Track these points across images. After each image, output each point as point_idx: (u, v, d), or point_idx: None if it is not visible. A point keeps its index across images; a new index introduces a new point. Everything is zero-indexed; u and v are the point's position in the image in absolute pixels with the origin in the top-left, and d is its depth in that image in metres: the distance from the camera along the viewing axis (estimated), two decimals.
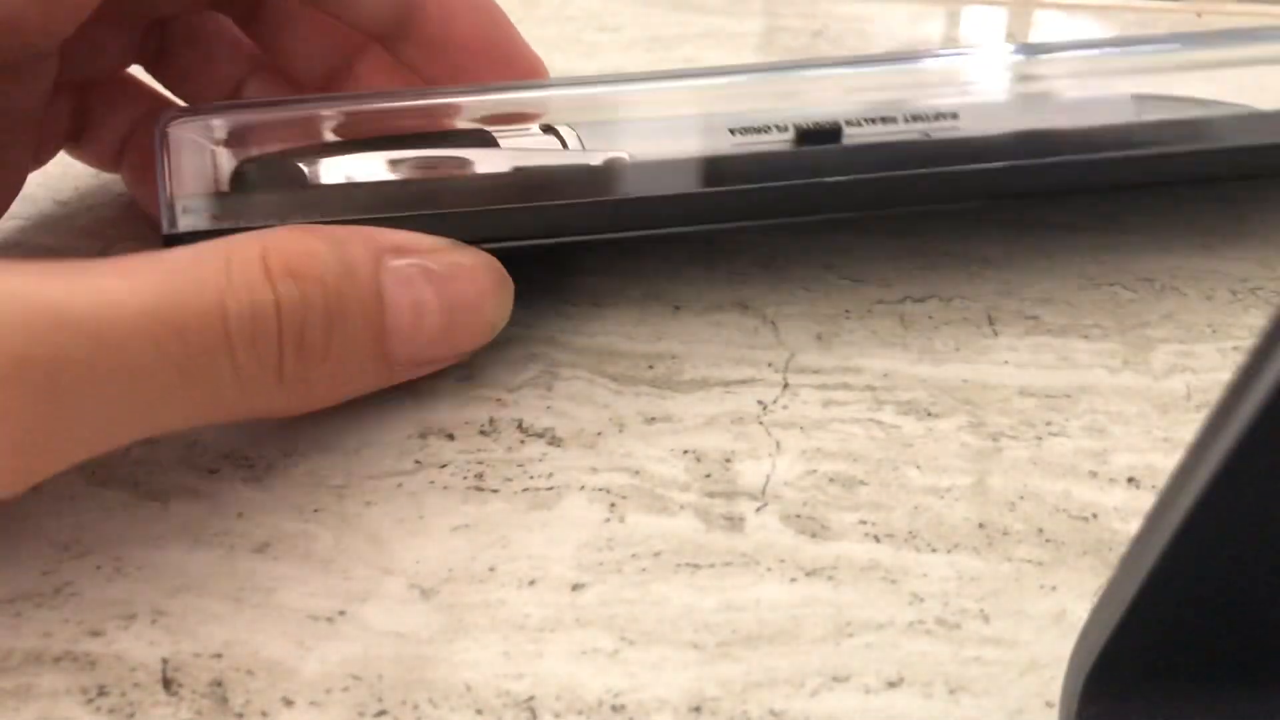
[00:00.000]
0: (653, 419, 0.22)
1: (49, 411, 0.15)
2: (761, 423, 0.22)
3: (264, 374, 0.18)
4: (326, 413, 0.22)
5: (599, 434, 0.21)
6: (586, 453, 0.21)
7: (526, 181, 0.21)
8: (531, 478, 0.20)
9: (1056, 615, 0.18)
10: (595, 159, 0.21)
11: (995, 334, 0.24)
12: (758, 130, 0.22)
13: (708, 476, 0.20)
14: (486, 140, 0.22)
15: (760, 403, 0.22)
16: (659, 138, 0.22)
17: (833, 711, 0.17)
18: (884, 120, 0.22)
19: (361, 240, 0.19)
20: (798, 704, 0.17)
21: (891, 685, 0.17)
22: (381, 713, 0.17)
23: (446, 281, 0.20)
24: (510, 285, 0.21)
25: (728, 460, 0.21)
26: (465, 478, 0.20)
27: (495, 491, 0.20)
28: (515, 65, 0.23)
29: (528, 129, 0.22)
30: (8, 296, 0.15)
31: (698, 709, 0.17)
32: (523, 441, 0.21)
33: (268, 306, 0.17)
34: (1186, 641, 0.13)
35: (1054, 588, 0.18)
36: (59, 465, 0.16)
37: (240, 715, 0.17)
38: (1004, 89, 0.23)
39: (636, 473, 0.20)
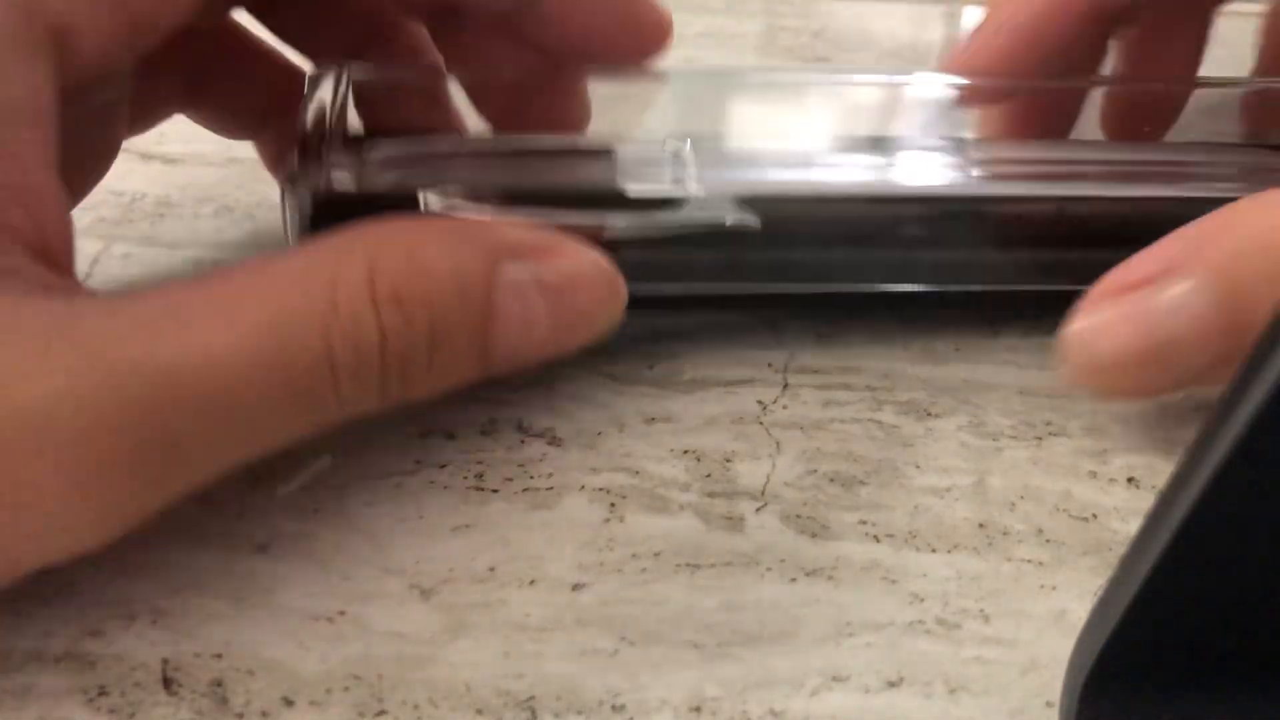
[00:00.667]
0: (653, 419, 0.22)
1: (161, 467, 0.16)
2: (761, 423, 0.22)
3: (367, 396, 0.17)
4: None
5: (599, 434, 0.21)
6: (587, 453, 0.21)
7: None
8: (532, 478, 0.20)
9: (1056, 615, 0.18)
10: (721, 215, 0.20)
11: (995, 334, 0.24)
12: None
13: (708, 476, 0.20)
14: (609, 169, 0.21)
15: (760, 403, 0.22)
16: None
17: (833, 711, 0.17)
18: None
19: (478, 242, 0.18)
20: (798, 704, 0.17)
21: (891, 685, 0.17)
22: (381, 712, 0.17)
23: (560, 294, 0.19)
24: (622, 291, 0.20)
25: (728, 460, 0.21)
26: (465, 478, 0.20)
27: (495, 491, 0.20)
28: (642, 22, 0.23)
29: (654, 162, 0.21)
30: (126, 367, 0.15)
31: (698, 709, 0.17)
32: (523, 441, 0.21)
33: (373, 339, 0.17)
34: (1186, 641, 0.13)
35: (1054, 588, 0.18)
36: (162, 505, 0.16)
37: (240, 715, 0.17)
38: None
39: (637, 473, 0.20)
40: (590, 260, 0.19)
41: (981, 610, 0.18)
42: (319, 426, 0.17)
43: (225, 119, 0.25)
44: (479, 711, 0.17)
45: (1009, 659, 0.17)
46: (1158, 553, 0.12)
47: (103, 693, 0.17)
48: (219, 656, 0.17)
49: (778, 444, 0.21)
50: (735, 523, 0.20)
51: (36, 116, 0.16)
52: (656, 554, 0.19)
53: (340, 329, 0.16)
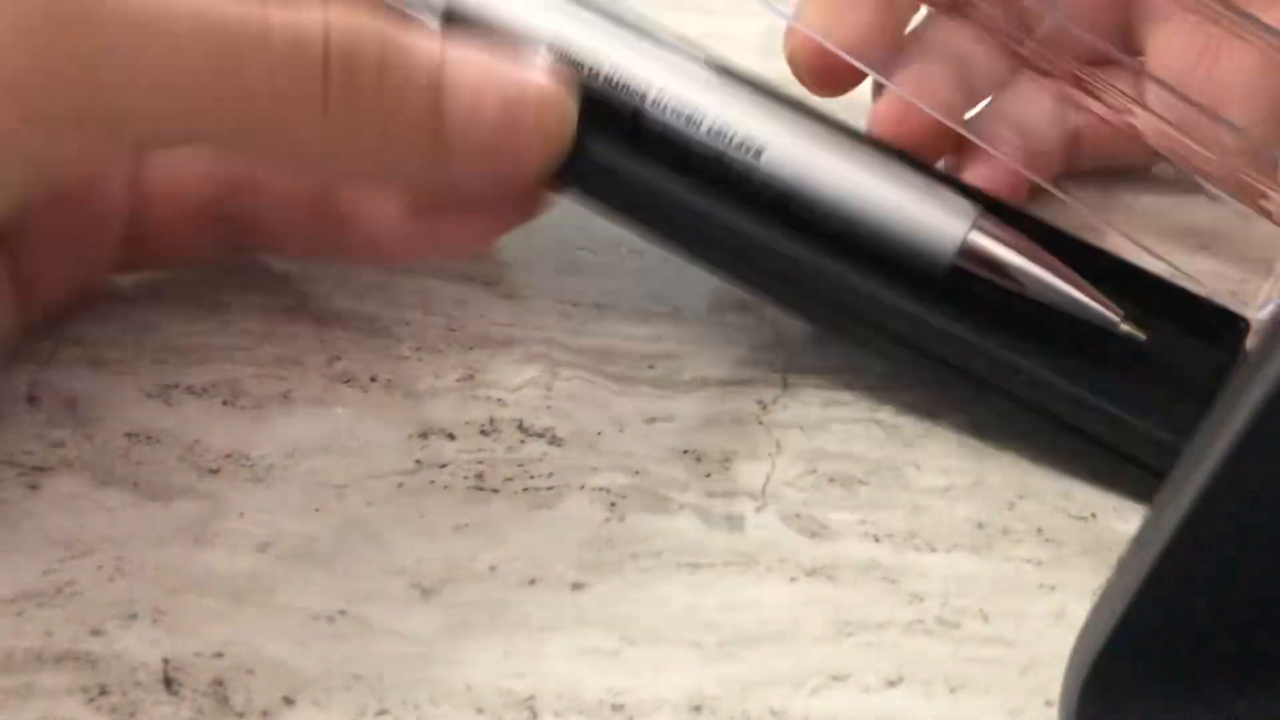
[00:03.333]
0: (653, 419, 0.22)
1: (84, 76, 0.15)
2: (761, 423, 0.22)
3: (306, 99, 0.16)
4: (326, 412, 0.22)
5: (599, 434, 0.21)
6: (587, 452, 0.21)
7: None
8: (532, 477, 0.20)
9: (1056, 615, 0.18)
10: None
11: None
12: None
13: (708, 476, 0.20)
14: None
15: (760, 403, 0.22)
16: None
17: (833, 711, 0.17)
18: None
19: (428, 36, 0.18)
20: (798, 703, 0.17)
21: (891, 685, 0.17)
22: (382, 712, 0.17)
23: (509, 81, 0.18)
24: (573, 114, 0.19)
25: (728, 460, 0.21)
26: (466, 477, 0.20)
27: (495, 491, 0.20)
28: None
29: None
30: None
31: (698, 708, 0.17)
32: (523, 441, 0.21)
33: (315, 31, 0.16)
34: (1186, 641, 0.13)
35: (1054, 588, 0.18)
36: (93, 136, 0.16)
37: (241, 715, 0.17)
38: None
39: (637, 472, 0.20)
40: (542, 78, 0.19)
41: (981, 610, 0.18)
42: (258, 126, 0.17)
43: None
44: (479, 711, 0.17)
45: (1009, 659, 0.17)
46: (1157, 553, 0.12)
47: (103, 692, 0.17)
48: (220, 656, 0.17)
49: (778, 444, 0.21)
50: (735, 522, 0.20)
51: None
52: (657, 554, 0.19)
53: (281, 13, 0.16)
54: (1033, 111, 0.25)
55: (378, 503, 0.20)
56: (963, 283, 0.21)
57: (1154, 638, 0.13)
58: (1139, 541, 0.13)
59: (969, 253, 0.21)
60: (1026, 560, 0.19)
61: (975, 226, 0.21)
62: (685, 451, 0.21)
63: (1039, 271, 0.20)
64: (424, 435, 0.21)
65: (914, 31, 0.25)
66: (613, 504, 0.20)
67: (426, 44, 0.18)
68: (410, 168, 0.18)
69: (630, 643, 0.18)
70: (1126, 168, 0.28)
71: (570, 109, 0.19)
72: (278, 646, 0.17)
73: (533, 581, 0.19)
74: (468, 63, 0.18)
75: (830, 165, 0.21)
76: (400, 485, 0.20)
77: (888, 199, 0.21)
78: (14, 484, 0.20)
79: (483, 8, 0.20)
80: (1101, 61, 0.23)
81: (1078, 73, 0.23)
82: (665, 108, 0.20)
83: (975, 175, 0.24)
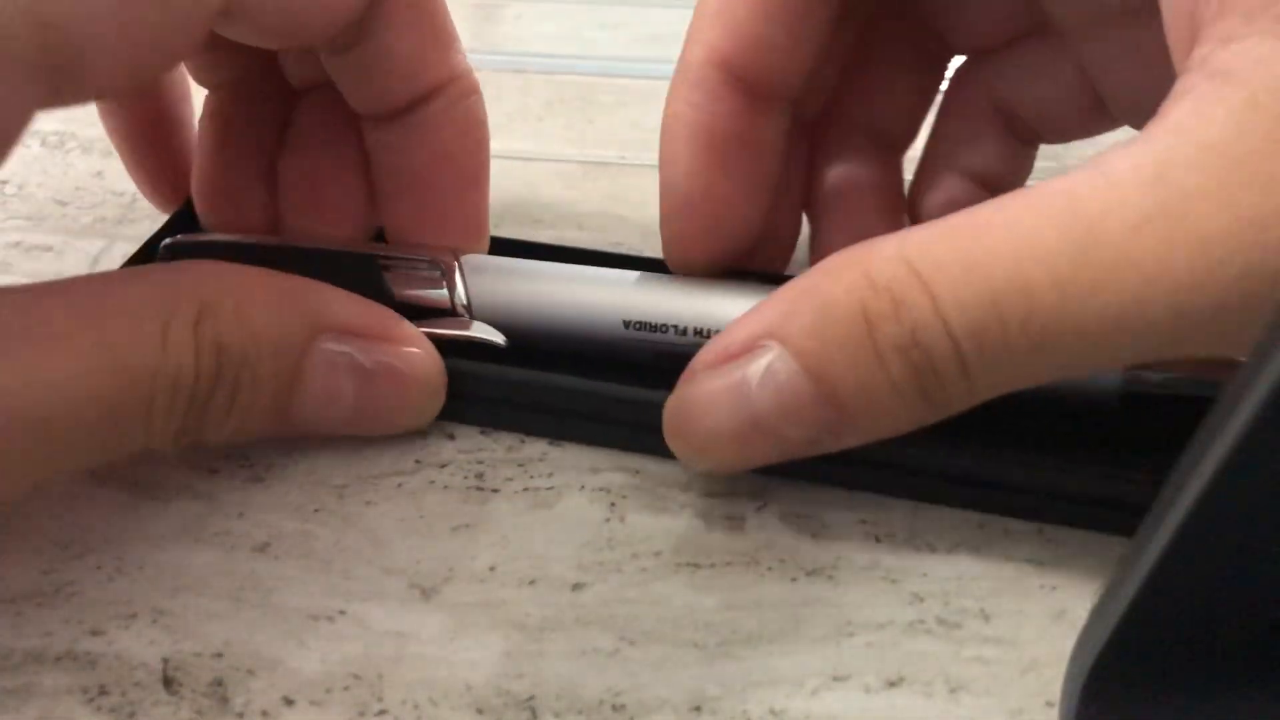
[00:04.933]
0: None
1: None
2: None
3: (166, 435, 0.18)
4: None
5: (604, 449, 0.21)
6: (587, 453, 0.21)
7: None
8: (532, 477, 0.20)
9: (1056, 615, 0.18)
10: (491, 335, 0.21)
11: None
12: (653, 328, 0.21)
13: (708, 476, 0.20)
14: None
15: None
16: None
17: (833, 711, 0.17)
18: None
19: (303, 311, 0.19)
20: (798, 703, 0.17)
21: (892, 685, 0.17)
22: (382, 712, 0.17)
23: (370, 380, 0.20)
24: (441, 394, 0.21)
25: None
26: (465, 477, 0.20)
27: (496, 491, 0.20)
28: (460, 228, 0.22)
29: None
30: None
31: (698, 708, 0.17)
32: (523, 441, 0.21)
33: (187, 382, 0.17)
34: (1186, 641, 0.13)
35: (1054, 588, 0.18)
36: None
37: (241, 715, 0.17)
38: None
39: (637, 472, 0.20)
40: (417, 352, 0.20)
41: (982, 610, 0.18)
42: (114, 456, 0.18)
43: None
44: (479, 711, 0.17)
45: (1009, 659, 0.17)
46: (1158, 553, 0.12)
47: (103, 692, 0.17)
48: (219, 656, 0.17)
49: None
50: (735, 523, 0.20)
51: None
52: (657, 554, 0.19)
53: (165, 372, 0.17)
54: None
55: (378, 503, 0.20)
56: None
57: (1154, 638, 0.13)
58: (1139, 541, 0.13)
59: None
60: (1027, 560, 0.19)
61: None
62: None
63: None
64: (424, 435, 0.21)
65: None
66: (613, 504, 0.20)
67: (294, 335, 0.19)
68: (250, 437, 0.20)
69: (630, 643, 0.18)
70: None
71: (439, 393, 0.20)
72: (277, 646, 0.17)
73: (533, 581, 0.19)
74: (329, 360, 0.19)
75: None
76: (400, 485, 0.20)
77: None
78: None
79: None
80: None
81: None
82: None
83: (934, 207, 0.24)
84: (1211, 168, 0.14)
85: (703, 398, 0.18)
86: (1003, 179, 0.24)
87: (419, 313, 0.21)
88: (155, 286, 0.18)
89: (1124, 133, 0.22)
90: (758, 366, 0.17)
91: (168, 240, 0.23)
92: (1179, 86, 0.16)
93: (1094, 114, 0.22)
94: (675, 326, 0.20)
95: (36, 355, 0.16)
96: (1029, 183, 0.24)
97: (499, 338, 0.21)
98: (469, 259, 0.21)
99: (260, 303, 0.18)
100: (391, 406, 0.20)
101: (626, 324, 0.21)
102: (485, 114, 0.22)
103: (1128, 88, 0.21)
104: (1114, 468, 0.19)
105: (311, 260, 0.21)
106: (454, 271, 0.21)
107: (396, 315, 0.20)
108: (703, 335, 0.20)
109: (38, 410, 0.16)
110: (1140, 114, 0.21)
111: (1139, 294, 0.15)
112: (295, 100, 0.24)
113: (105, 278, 0.18)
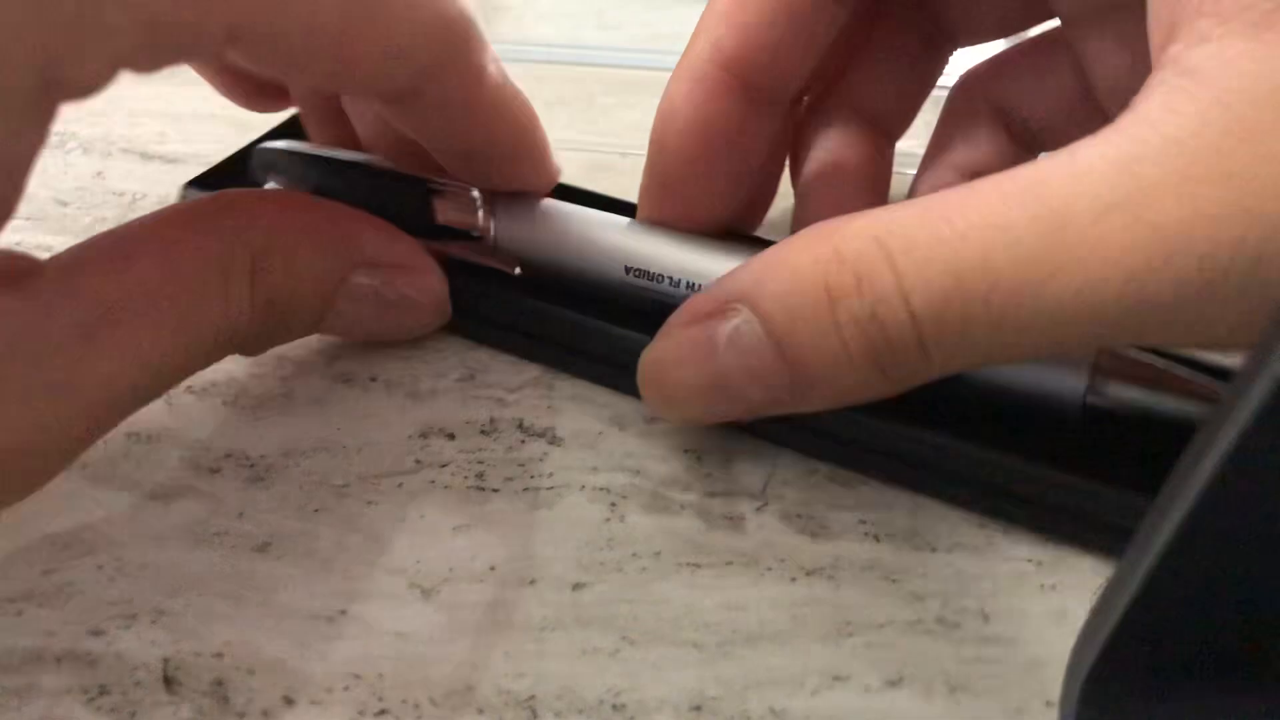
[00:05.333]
0: (654, 418, 0.22)
1: None
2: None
3: (212, 363, 0.20)
4: (327, 412, 0.22)
5: (599, 434, 0.21)
6: (587, 452, 0.21)
7: None
8: (532, 477, 0.20)
9: (1056, 615, 0.18)
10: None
11: None
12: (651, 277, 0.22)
13: (708, 476, 0.20)
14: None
15: None
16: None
17: (833, 711, 0.17)
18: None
19: (341, 249, 0.21)
20: (798, 703, 0.17)
21: (891, 685, 0.17)
22: (382, 712, 0.17)
23: (390, 307, 0.22)
24: (445, 315, 0.23)
25: (728, 460, 0.21)
26: (466, 477, 0.20)
27: (496, 491, 0.20)
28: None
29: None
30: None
31: (698, 708, 0.17)
32: (523, 441, 0.21)
33: (243, 330, 0.19)
34: (1186, 641, 0.13)
35: (1054, 587, 0.18)
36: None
37: (241, 714, 0.17)
38: None
39: (637, 472, 0.20)
40: (428, 283, 0.22)
41: (981, 610, 0.18)
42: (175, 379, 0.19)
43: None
44: (479, 710, 0.17)
45: (1009, 658, 0.17)
46: (1158, 553, 0.12)
47: (103, 692, 0.17)
48: (220, 656, 0.17)
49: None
50: (735, 522, 0.20)
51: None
52: (657, 553, 0.19)
53: (225, 327, 0.19)
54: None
55: (378, 503, 0.20)
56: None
57: (1154, 638, 0.13)
58: (1139, 541, 0.13)
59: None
60: (1026, 560, 0.19)
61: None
62: (685, 451, 0.21)
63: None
64: (424, 435, 0.21)
65: None
66: (613, 504, 0.20)
67: (332, 275, 0.21)
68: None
69: (630, 643, 0.18)
70: None
71: (444, 313, 0.23)
72: (278, 646, 0.18)
73: (533, 581, 0.19)
74: (358, 292, 0.21)
75: None
76: (400, 485, 0.20)
77: None
78: None
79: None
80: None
81: None
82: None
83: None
84: (1174, 162, 0.15)
85: (674, 352, 0.19)
86: None
87: (452, 234, 0.23)
88: (212, 240, 0.19)
89: None
90: (726, 327, 0.18)
91: (263, 145, 0.25)
92: (1151, 80, 0.16)
93: (1091, 118, 0.23)
94: (670, 278, 0.21)
95: (130, 335, 0.17)
96: None
97: (513, 267, 0.23)
98: (503, 196, 0.23)
99: (304, 245, 0.20)
100: (402, 327, 0.23)
101: (628, 270, 0.22)
102: (540, 128, 0.22)
103: (1123, 86, 0.22)
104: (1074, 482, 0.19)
105: (375, 178, 0.23)
106: (488, 204, 0.23)
107: (418, 247, 0.22)
108: (694, 289, 0.21)
109: (124, 384, 0.17)
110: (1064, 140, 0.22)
111: (1098, 278, 0.15)
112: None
113: (163, 228, 0.19)
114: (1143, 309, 0.15)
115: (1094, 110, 0.22)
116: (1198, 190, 0.15)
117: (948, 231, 0.16)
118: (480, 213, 0.22)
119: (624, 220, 0.22)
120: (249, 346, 0.20)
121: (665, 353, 0.19)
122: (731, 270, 0.18)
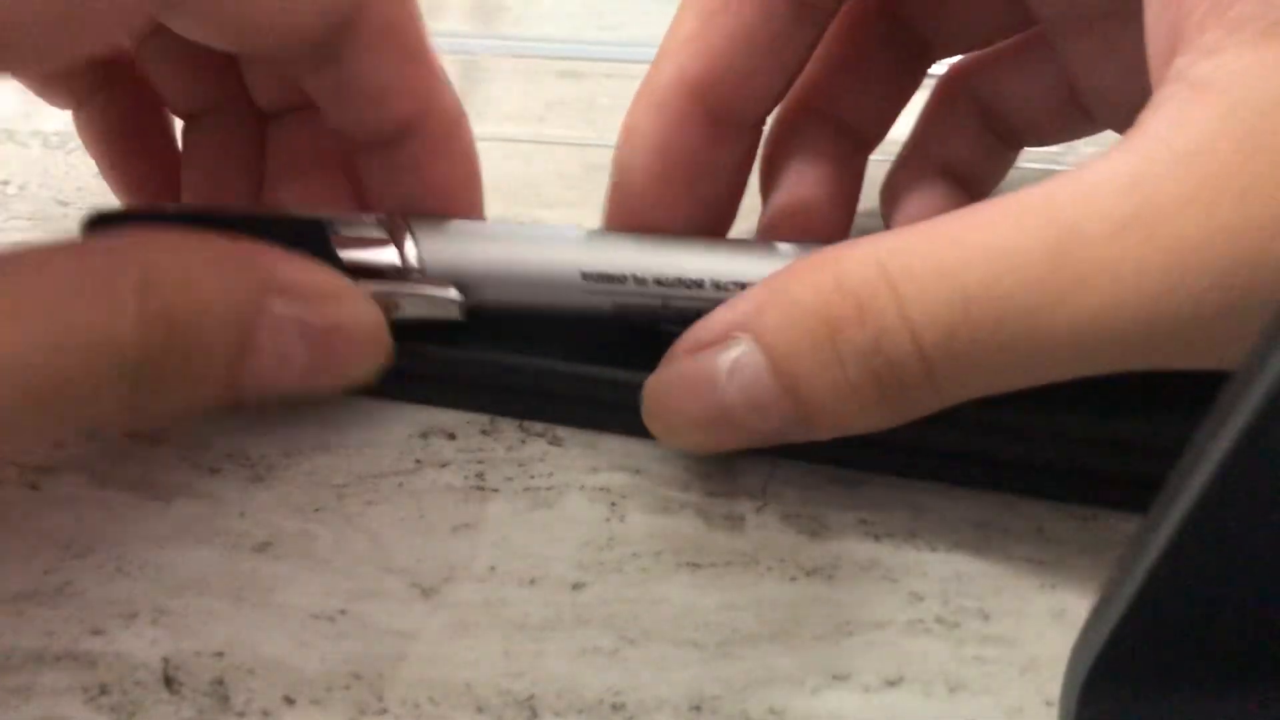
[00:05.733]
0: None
1: None
2: None
3: (116, 411, 0.17)
4: (327, 412, 0.22)
5: (599, 434, 0.21)
6: (587, 452, 0.21)
7: None
8: (532, 477, 0.20)
9: (1056, 614, 0.18)
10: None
11: None
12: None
13: (708, 476, 0.20)
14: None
15: None
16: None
17: (833, 710, 0.17)
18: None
19: (251, 274, 0.19)
20: (798, 703, 0.17)
21: (891, 684, 0.17)
22: (382, 711, 0.17)
23: (321, 339, 0.19)
24: (386, 348, 0.20)
25: (728, 460, 0.21)
26: (466, 477, 0.20)
27: (496, 491, 0.20)
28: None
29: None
30: None
31: (698, 708, 0.17)
32: (523, 441, 0.21)
33: (134, 357, 0.17)
34: (1186, 641, 0.13)
35: (1054, 587, 0.18)
36: None
37: (242, 714, 0.17)
38: None
39: (637, 472, 0.20)
40: (360, 311, 0.20)
41: (981, 610, 0.18)
42: (60, 434, 0.18)
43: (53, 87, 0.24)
44: (479, 710, 0.17)
45: (1009, 658, 0.17)
46: (1158, 553, 0.12)
47: (104, 692, 0.17)
48: (220, 655, 0.17)
49: None
50: (735, 522, 0.20)
51: None
52: (657, 553, 0.19)
53: (110, 349, 0.16)
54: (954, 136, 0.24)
55: (378, 503, 0.20)
56: None
57: (1154, 637, 0.13)
58: (1139, 542, 0.13)
59: None
60: (1026, 560, 0.19)
61: None
62: (685, 451, 0.21)
63: None
64: (424, 435, 0.21)
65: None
66: (613, 503, 0.20)
67: (242, 301, 0.18)
68: (199, 409, 0.19)
69: (630, 643, 0.18)
70: None
71: (384, 343, 0.20)
72: (278, 646, 0.18)
73: (533, 581, 0.19)
74: (279, 324, 0.18)
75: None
76: (400, 485, 0.20)
77: None
78: (14, 484, 0.20)
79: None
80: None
81: None
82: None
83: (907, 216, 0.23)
84: (1188, 177, 0.15)
85: (677, 383, 0.18)
86: (979, 176, 0.24)
87: (369, 275, 0.20)
88: (98, 256, 0.17)
89: (1107, 137, 0.22)
90: (727, 358, 0.18)
91: (100, 214, 0.21)
92: (1158, 96, 0.16)
93: (1074, 116, 0.22)
94: (634, 275, 0.20)
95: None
96: (1008, 184, 0.24)
97: (453, 293, 0.20)
98: (419, 219, 0.21)
99: (207, 268, 0.18)
100: (341, 364, 0.20)
101: (585, 275, 0.20)
102: (474, 145, 0.22)
103: (1108, 89, 0.21)
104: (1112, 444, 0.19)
105: (260, 226, 0.20)
106: (403, 230, 0.21)
107: (340, 274, 0.20)
108: (664, 284, 0.20)
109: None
110: (1119, 115, 0.21)
111: (1113, 299, 0.15)
112: (266, 126, 0.23)
113: (46, 250, 0.17)
114: (1161, 330, 0.15)
115: (1078, 111, 0.22)
116: (1213, 205, 0.14)
117: (953, 256, 0.15)
118: (389, 233, 0.20)
119: (568, 227, 0.21)
120: (159, 388, 0.17)
121: (667, 383, 0.19)
122: (733, 299, 0.18)
